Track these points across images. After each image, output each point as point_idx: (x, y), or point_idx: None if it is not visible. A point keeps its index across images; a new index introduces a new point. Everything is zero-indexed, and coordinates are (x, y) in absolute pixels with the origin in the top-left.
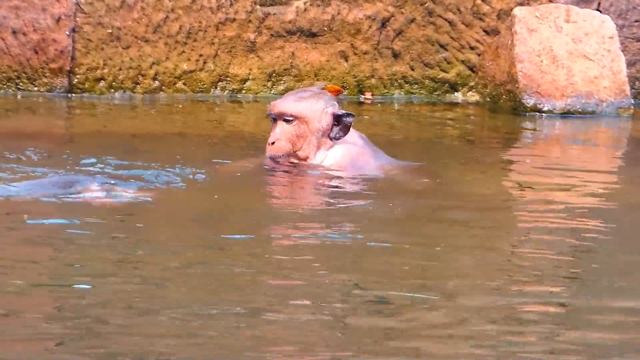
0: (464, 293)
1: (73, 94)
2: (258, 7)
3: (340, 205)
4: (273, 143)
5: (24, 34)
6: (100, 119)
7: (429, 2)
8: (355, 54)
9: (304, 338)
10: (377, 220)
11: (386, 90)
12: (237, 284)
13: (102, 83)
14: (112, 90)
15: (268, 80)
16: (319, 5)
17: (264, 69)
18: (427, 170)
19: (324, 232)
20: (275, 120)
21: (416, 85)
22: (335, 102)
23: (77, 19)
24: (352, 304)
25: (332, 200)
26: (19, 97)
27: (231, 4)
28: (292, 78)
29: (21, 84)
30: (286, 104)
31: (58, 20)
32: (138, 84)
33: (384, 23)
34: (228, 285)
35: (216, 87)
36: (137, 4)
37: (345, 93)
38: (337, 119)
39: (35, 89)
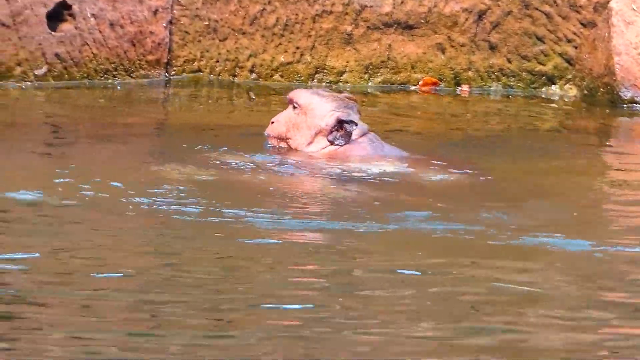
0: None
1: (170, 85)
2: None
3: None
4: (272, 122)
5: (121, 27)
6: (197, 109)
7: None
8: (452, 46)
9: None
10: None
11: (483, 83)
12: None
13: (199, 74)
14: (210, 82)
15: (365, 73)
16: None
17: (361, 61)
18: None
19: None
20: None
21: (513, 78)
22: (351, 112)
23: (174, 11)
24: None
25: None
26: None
27: None
28: (388, 70)
29: (118, 76)
30: (300, 93)
31: (155, 12)
32: (235, 75)
33: (480, 15)
34: None
35: (313, 79)
36: None
37: (441, 85)
38: (340, 124)
39: (133, 81)
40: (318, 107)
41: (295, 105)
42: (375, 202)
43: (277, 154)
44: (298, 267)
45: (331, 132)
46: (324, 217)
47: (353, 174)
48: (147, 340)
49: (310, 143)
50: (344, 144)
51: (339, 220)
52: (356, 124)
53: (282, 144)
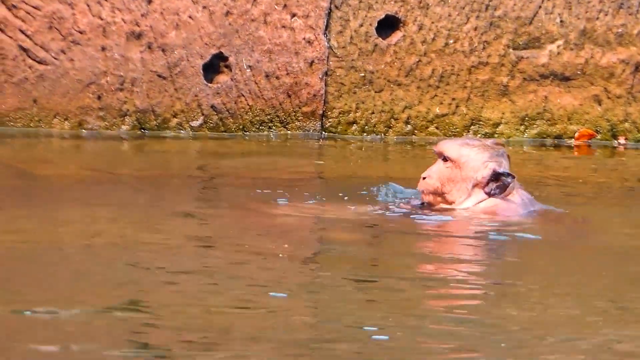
0: None
1: (325, 136)
2: (511, 50)
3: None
4: (424, 178)
5: (277, 78)
6: (354, 162)
7: None
8: (608, 97)
9: None
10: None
11: None
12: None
13: (354, 127)
14: (365, 133)
15: (521, 124)
16: (572, 49)
17: (517, 112)
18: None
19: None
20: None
21: None
22: (504, 161)
23: (330, 62)
24: None
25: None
26: (272, 140)
27: (484, 48)
28: (545, 122)
29: (274, 127)
30: (449, 145)
31: (311, 64)
32: (390, 127)
33: (637, 67)
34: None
35: (469, 131)
36: (389, 48)
37: (598, 137)
38: (496, 176)
39: (289, 132)
40: (471, 158)
41: (446, 158)
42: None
43: (433, 210)
44: None
45: (487, 184)
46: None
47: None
48: None
49: (468, 196)
50: (500, 195)
51: None
52: (513, 177)
53: (438, 199)
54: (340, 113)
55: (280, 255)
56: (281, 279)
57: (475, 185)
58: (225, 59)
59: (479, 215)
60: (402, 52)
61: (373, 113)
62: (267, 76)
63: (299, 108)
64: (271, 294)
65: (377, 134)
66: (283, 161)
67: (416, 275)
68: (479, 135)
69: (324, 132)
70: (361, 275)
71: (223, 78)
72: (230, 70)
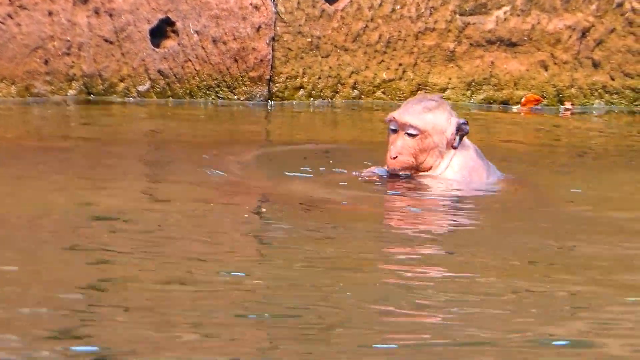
0: None
1: (272, 102)
2: (458, 16)
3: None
4: (395, 157)
5: (224, 43)
6: (299, 126)
7: (629, 12)
8: (555, 63)
9: None
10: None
11: (586, 100)
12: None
13: (301, 91)
14: (312, 98)
15: (467, 90)
16: (518, 15)
17: (463, 78)
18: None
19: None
20: (394, 131)
21: (616, 95)
22: (451, 109)
23: (277, 27)
24: None
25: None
26: (218, 104)
27: (431, 14)
28: (491, 87)
29: (220, 92)
30: (413, 117)
31: (258, 29)
32: (337, 92)
33: (584, 33)
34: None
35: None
36: (336, 14)
37: (544, 102)
38: (458, 128)
39: (235, 97)
40: (436, 122)
41: (413, 133)
42: None
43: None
44: None
45: (454, 139)
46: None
47: None
48: None
49: (442, 158)
50: (459, 144)
51: None
52: (467, 123)
53: (413, 172)
54: (287, 78)
55: (225, 228)
56: (227, 253)
57: (446, 145)
58: (173, 23)
59: (457, 182)
60: (349, 18)
61: (320, 78)
62: (214, 41)
63: (246, 73)
64: (218, 269)
65: (324, 99)
66: (229, 126)
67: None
68: None
69: (270, 98)
70: (310, 249)
71: (170, 43)
72: (178, 35)
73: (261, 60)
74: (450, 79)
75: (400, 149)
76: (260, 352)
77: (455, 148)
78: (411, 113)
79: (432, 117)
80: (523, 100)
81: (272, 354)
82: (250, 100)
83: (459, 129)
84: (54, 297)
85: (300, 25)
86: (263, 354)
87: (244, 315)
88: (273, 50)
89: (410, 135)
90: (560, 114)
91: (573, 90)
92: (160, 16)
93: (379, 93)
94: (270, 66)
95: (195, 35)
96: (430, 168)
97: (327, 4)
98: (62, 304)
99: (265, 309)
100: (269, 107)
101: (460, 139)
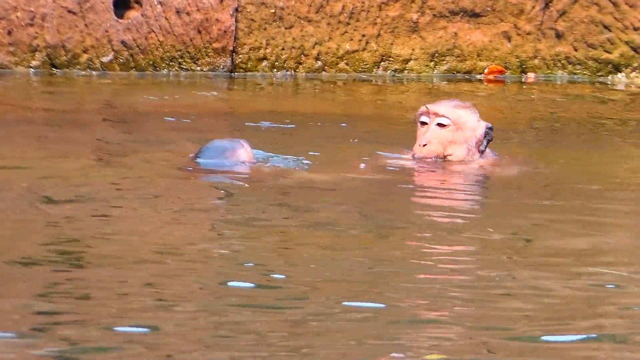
0: None
1: (236, 73)
2: None
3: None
4: (424, 145)
5: (188, 14)
6: (263, 97)
7: None
8: (518, 34)
9: None
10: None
11: (549, 71)
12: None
13: (264, 63)
14: (275, 70)
15: (431, 61)
16: None
17: (427, 49)
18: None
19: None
20: (423, 124)
21: (579, 66)
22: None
23: None
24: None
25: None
26: (182, 76)
27: None
28: (454, 58)
29: (184, 63)
30: (445, 108)
31: (222, 0)
32: (300, 63)
33: (547, 3)
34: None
35: (378, 67)
36: None
37: (507, 73)
38: (486, 133)
39: (198, 68)
40: (468, 119)
41: (445, 123)
42: None
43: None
44: None
45: (481, 141)
46: None
47: None
48: None
49: (471, 155)
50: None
51: None
52: (492, 129)
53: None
54: (250, 49)
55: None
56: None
57: (475, 145)
58: None
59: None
60: None
61: (283, 49)
62: (177, 12)
63: (210, 44)
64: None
65: (287, 70)
66: (193, 97)
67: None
68: (389, 71)
69: (234, 69)
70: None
71: (133, 14)
72: (141, 5)
73: (224, 32)
74: (413, 50)
75: (430, 137)
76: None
77: (482, 152)
78: (444, 106)
79: (463, 113)
80: (486, 71)
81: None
82: (213, 72)
83: (486, 134)
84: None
85: None
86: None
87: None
88: (236, 21)
89: (441, 125)
90: (523, 85)
91: (536, 61)
92: None
93: (342, 64)
94: (233, 37)
95: (159, 6)
96: (460, 161)
97: None
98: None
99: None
100: (231, 78)
101: (487, 144)
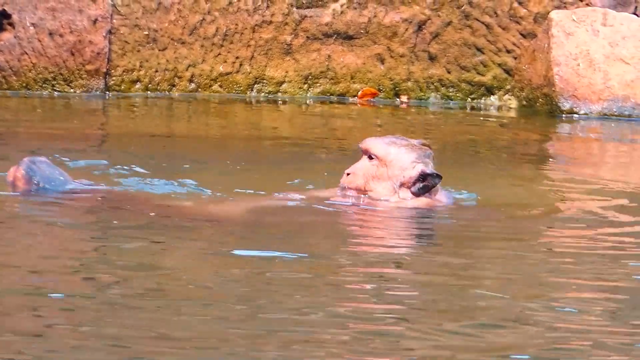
0: None
1: (109, 94)
2: (294, 9)
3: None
4: (349, 174)
5: (61, 36)
6: (135, 119)
7: (465, 5)
8: (391, 56)
9: None
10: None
11: (422, 94)
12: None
13: (138, 85)
14: (148, 91)
15: (304, 83)
16: (355, 8)
17: (300, 71)
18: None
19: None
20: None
21: (452, 89)
22: (430, 162)
23: (114, 20)
24: None
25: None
26: (55, 97)
27: (267, 6)
28: (328, 81)
29: (57, 85)
30: (375, 143)
31: (95, 22)
32: (174, 85)
33: (420, 26)
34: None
35: (252, 90)
36: (173, 6)
37: (381, 96)
38: (424, 177)
39: (72, 90)
40: (398, 158)
41: (372, 157)
42: None
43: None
44: None
45: (414, 184)
46: None
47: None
48: None
49: (393, 194)
50: (425, 194)
51: None
52: (440, 177)
53: (361, 195)
54: (124, 71)
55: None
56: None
57: (402, 185)
58: (9, 16)
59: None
60: (186, 11)
61: (157, 71)
62: (50, 34)
63: (83, 66)
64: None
65: (161, 92)
66: (66, 120)
67: None
68: (263, 93)
69: (107, 91)
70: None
71: (6, 36)
72: (14, 27)
73: (98, 54)
74: (287, 72)
75: (355, 168)
76: None
77: (414, 194)
78: (377, 140)
79: (395, 150)
80: (360, 93)
81: None
82: (87, 93)
83: (424, 179)
84: None
85: (137, 18)
86: None
87: None
88: (110, 43)
89: (370, 158)
90: (398, 106)
91: (409, 84)
92: None
93: (215, 86)
94: (107, 59)
95: (32, 27)
96: (377, 199)
97: None
98: None
99: None
100: (104, 100)
101: (424, 190)
